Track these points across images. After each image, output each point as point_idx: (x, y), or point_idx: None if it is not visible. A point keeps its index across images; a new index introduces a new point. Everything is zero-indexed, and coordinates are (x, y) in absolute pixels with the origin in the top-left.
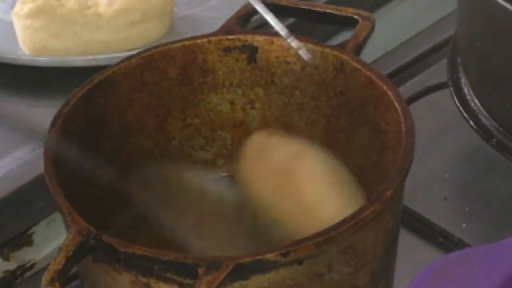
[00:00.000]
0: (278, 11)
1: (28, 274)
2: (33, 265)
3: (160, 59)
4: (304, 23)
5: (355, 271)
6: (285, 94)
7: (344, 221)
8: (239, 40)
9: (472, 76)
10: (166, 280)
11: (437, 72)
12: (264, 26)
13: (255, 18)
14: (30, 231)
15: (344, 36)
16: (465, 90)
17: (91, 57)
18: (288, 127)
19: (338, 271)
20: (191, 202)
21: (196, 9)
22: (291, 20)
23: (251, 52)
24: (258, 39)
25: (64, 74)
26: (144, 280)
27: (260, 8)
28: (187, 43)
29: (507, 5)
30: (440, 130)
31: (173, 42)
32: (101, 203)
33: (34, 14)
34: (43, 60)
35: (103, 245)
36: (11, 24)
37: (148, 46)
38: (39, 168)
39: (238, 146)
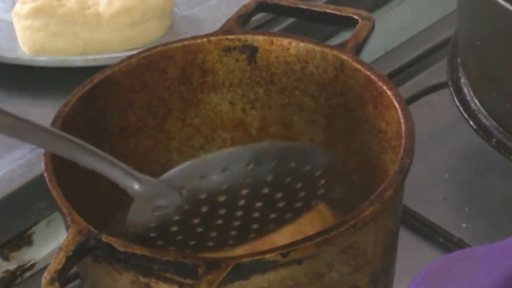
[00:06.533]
0: (278, 11)
1: (28, 274)
2: (33, 265)
3: (160, 59)
4: (304, 23)
5: (355, 271)
6: (285, 94)
7: (344, 221)
8: (239, 40)
9: (472, 76)
10: (166, 280)
11: (437, 72)
12: (264, 26)
13: (255, 18)
14: (30, 231)
15: (344, 36)
16: (465, 90)
17: (91, 57)
18: (288, 127)
19: (338, 271)
20: None
21: (196, 9)
22: (291, 20)
23: (251, 52)
24: (258, 39)
25: (64, 74)
26: (144, 280)
27: None
28: (187, 43)
29: (507, 5)
30: (440, 130)
31: (173, 42)
32: (101, 203)
33: (34, 14)
34: (43, 60)
35: (103, 245)
36: (11, 24)
37: (148, 46)
38: (39, 168)
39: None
